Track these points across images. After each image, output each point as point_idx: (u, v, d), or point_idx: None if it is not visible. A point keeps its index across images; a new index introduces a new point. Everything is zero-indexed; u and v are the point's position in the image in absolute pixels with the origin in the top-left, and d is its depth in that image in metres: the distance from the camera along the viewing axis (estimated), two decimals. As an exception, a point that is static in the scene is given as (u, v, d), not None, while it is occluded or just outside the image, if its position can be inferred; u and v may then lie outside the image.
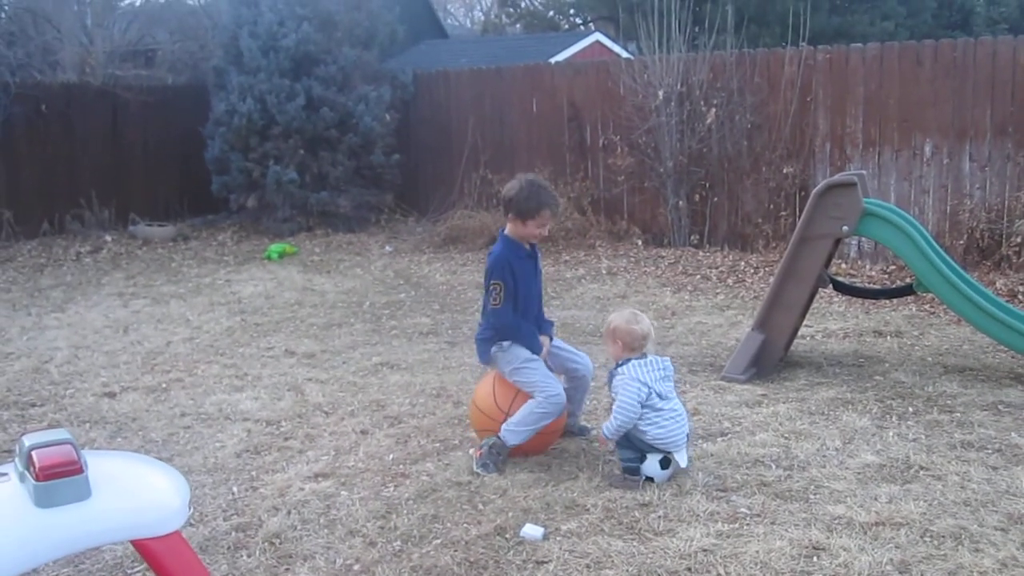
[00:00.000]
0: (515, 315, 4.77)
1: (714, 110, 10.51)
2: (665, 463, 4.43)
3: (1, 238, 12.32)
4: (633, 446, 4.43)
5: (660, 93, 10.72)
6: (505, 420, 4.73)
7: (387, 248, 12.11)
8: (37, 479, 1.68)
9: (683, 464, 4.47)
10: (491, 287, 4.73)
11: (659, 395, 4.44)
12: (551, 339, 4.97)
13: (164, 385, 6.43)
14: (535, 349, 4.79)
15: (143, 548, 1.77)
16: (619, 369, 4.53)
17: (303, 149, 12.74)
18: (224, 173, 13.12)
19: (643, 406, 4.40)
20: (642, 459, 4.42)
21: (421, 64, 15.05)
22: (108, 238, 12.71)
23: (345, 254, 11.81)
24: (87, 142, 13.25)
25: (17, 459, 1.78)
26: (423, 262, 11.13)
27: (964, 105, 9.02)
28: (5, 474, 1.80)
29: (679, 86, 10.69)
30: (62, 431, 1.77)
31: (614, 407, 4.45)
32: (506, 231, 4.84)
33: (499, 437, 4.70)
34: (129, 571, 3.85)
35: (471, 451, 4.81)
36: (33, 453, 1.70)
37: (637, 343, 4.53)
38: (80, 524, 1.68)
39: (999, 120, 8.82)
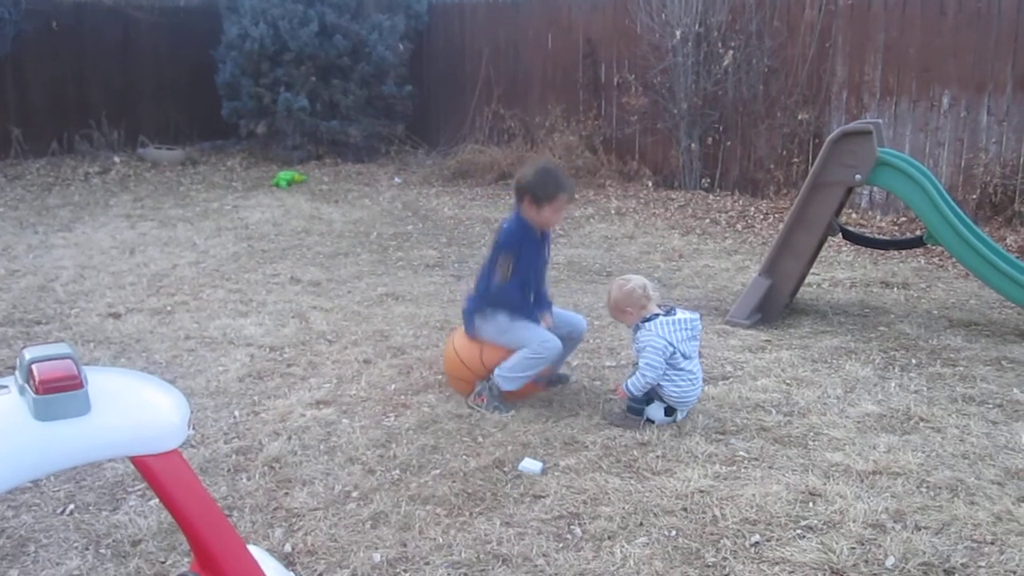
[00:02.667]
0: (519, 292, 4.65)
1: (731, 52, 10.37)
2: (669, 411, 4.44)
3: (10, 156, 12.29)
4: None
5: (677, 33, 10.57)
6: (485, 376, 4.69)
7: (396, 180, 12.05)
8: (37, 392, 1.67)
9: (680, 417, 4.48)
10: (500, 260, 4.60)
11: (683, 355, 4.41)
12: (551, 315, 4.83)
13: (169, 308, 6.45)
14: (527, 317, 4.70)
15: (142, 465, 1.77)
16: (644, 325, 4.46)
17: (315, 76, 12.61)
18: (234, 98, 13.01)
19: (666, 363, 4.39)
20: (648, 401, 4.43)
21: (437, -6, 14.87)
22: (117, 159, 12.66)
23: (354, 184, 11.76)
24: (97, 61, 13.13)
25: (17, 372, 1.78)
26: (432, 195, 11.08)
27: (985, 57, 8.88)
28: (5, 387, 1.80)
29: (697, 26, 10.54)
30: (63, 345, 1.76)
31: (640, 364, 4.42)
32: (522, 212, 4.65)
33: (492, 380, 4.66)
34: (130, 489, 3.89)
35: (468, 400, 4.73)
36: (33, 366, 1.70)
37: (642, 299, 4.49)
38: (79, 439, 1.68)
39: (1020, 74, 8.69)
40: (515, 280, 4.60)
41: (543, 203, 4.54)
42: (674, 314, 4.46)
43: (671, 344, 4.36)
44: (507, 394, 4.67)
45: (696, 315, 4.55)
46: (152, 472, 1.76)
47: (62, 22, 12.68)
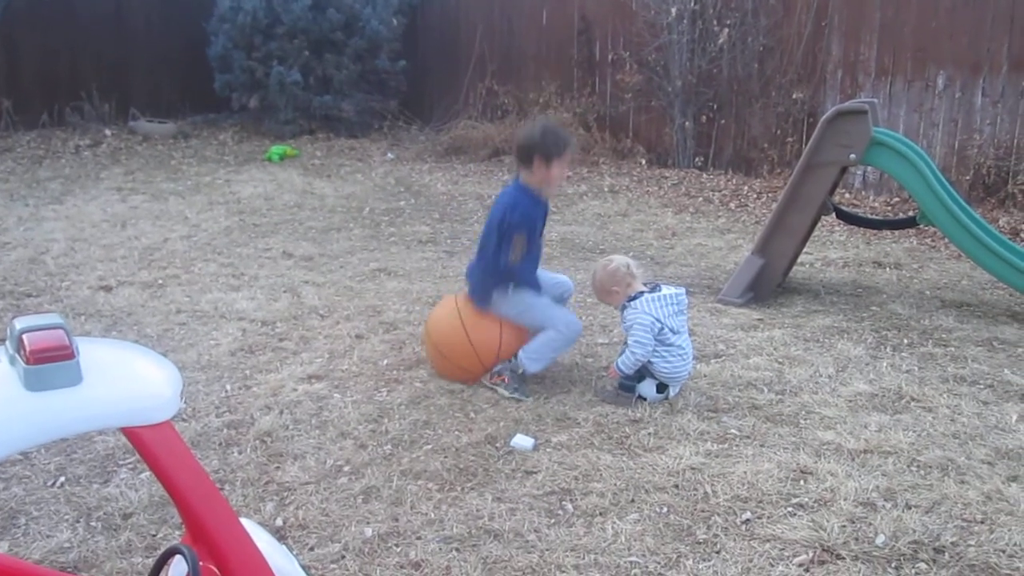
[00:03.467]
0: (529, 268, 4.65)
1: (727, 30, 10.32)
2: (661, 388, 4.44)
3: (0, 128, 12.19)
4: (634, 366, 4.44)
5: (673, 10, 10.51)
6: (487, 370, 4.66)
7: (389, 155, 12.01)
8: (27, 362, 1.66)
9: (672, 394, 4.48)
10: (515, 240, 4.51)
11: (671, 330, 4.41)
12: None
13: (160, 281, 6.42)
14: (539, 291, 4.71)
15: (134, 437, 1.76)
16: (631, 304, 4.46)
17: (308, 50, 12.53)
18: (227, 71, 12.92)
19: (655, 339, 4.39)
20: (640, 379, 4.43)
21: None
22: (108, 132, 12.58)
23: (346, 159, 11.71)
24: (89, 33, 13.03)
25: (8, 342, 1.76)
26: (424, 171, 11.05)
27: (981, 38, 8.85)
28: (-5, 357, 1.78)
29: (692, 3, 10.47)
30: (54, 315, 1.74)
31: (629, 342, 4.42)
32: (523, 180, 4.59)
33: (518, 361, 4.59)
34: (121, 462, 3.88)
35: (485, 380, 4.66)
36: (24, 336, 1.68)
37: (627, 278, 4.48)
38: (70, 409, 1.67)
39: (1016, 55, 8.66)
40: (527, 258, 4.59)
41: (553, 159, 4.48)
42: (659, 290, 4.46)
43: (658, 320, 4.36)
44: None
45: (681, 290, 4.54)
46: (144, 444, 1.75)
47: (54, -8, 12.58)
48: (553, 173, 4.53)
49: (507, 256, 4.54)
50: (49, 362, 1.67)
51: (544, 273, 4.89)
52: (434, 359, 4.83)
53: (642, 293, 4.45)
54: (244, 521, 2.07)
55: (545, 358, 4.62)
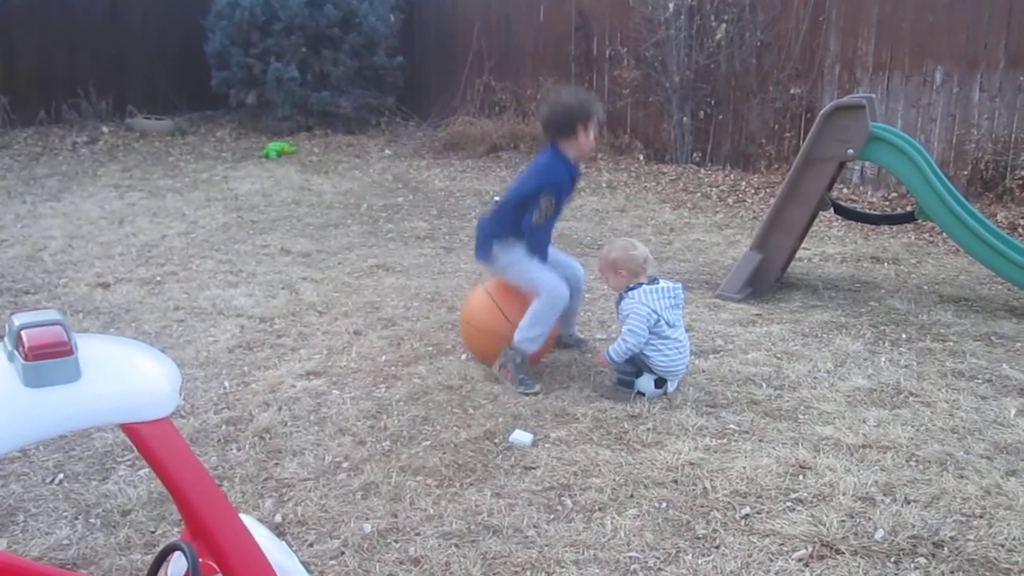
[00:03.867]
0: (547, 233, 4.70)
1: (724, 26, 10.31)
2: (659, 383, 4.44)
3: (-4, 124, 12.19)
4: (632, 362, 4.43)
5: (670, 5, 10.50)
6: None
7: (386, 151, 12.00)
8: (26, 359, 1.65)
9: (671, 389, 4.49)
10: (543, 202, 4.53)
11: (667, 323, 4.42)
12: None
13: (158, 278, 6.42)
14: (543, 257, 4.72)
15: (132, 433, 1.76)
16: (629, 294, 4.48)
17: (305, 47, 12.51)
18: (224, 68, 12.90)
19: (651, 332, 4.39)
20: (638, 374, 4.43)
21: (428, -35, 14.73)
22: (105, 129, 12.56)
23: (344, 155, 11.70)
24: (86, 30, 12.98)
25: (7, 338, 1.75)
26: (422, 167, 11.04)
27: (979, 33, 8.85)
28: (-6, 353, 1.78)
29: (690, -1, 10.49)
30: (52, 311, 1.74)
31: (623, 331, 4.43)
32: (562, 149, 4.60)
33: (515, 347, 4.60)
34: (119, 459, 3.88)
35: (493, 370, 4.70)
36: (22, 332, 1.67)
37: (639, 268, 4.50)
38: (69, 405, 1.66)
39: (1013, 50, 8.67)
40: (548, 222, 4.64)
41: (588, 123, 4.56)
42: (657, 283, 4.48)
43: (655, 312, 4.37)
44: (531, 359, 4.64)
45: (678, 284, 4.56)
46: (143, 440, 1.74)
47: (50, -10, 12.55)
48: (588, 137, 4.59)
49: (531, 216, 4.57)
50: (48, 358, 1.66)
51: (558, 253, 4.94)
52: (472, 340, 4.89)
53: (640, 284, 4.46)
54: (243, 517, 2.07)
55: (538, 334, 4.59)
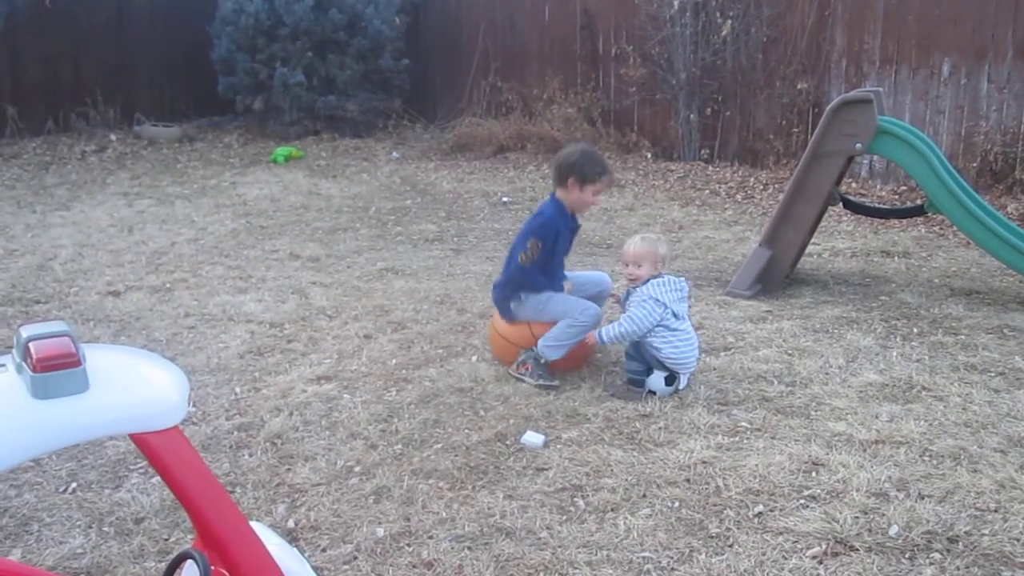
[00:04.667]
0: (539, 274, 4.72)
1: (730, 22, 10.30)
2: (670, 380, 4.43)
3: (5, 135, 12.23)
4: (642, 359, 4.43)
5: (675, 2, 10.49)
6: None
7: (394, 154, 12.01)
8: (34, 371, 1.66)
9: (683, 386, 4.48)
10: (529, 244, 4.66)
11: (675, 314, 4.43)
12: (569, 282, 4.91)
13: (168, 285, 6.43)
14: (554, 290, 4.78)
15: (142, 443, 1.76)
16: (639, 289, 4.50)
17: (311, 51, 12.54)
18: (230, 74, 12.94)
19: (659, 325, 4.40)
20: (648, 372, 4.43)
21: (432, -33, 14.74)
22: (113, 137, 12.61)
23: (352, 159, 11.72)
24: (92, 39, 13.04)
25: (15, 350, 1.76)
26: (430, 169, 11.04)
27: (986, 24, 8.81)
28: (3, 365, 1.78)
29: (695, -4, 10.47)
30: (60, 323, 1.74)
31: (623, 316, 4.44)
32: (558, 195, 4.73)
33: (537, 351, 4.65)
34: (132, 467, 3.88)
35: (511, 370, 4.73)
36: (30, 344, 1.68)
37: (660, 265, 4.57)
38: (77, 416, 1.67)
39: (1021, 40, 8.63)
40: (537, 264, 4.68)
41: (587, 184, 4.64)
42: (662, 276, 4.52)
43: (665, 305, 4.40)
44: (552, 365, 4.67)
45: (683, 278, 4.61)
46: (152, 449, 1.75)
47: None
48: (585, 196, 4.69)
49: (518, 257, 4.70)
50: (56, 370, 1.66)
51: (578, 274, 5.01)
52: (499, 346, 4.93)
53: (648, 280, 4.48)
54: (255, 524, 2.07)
55: (563, 345, 4.64)
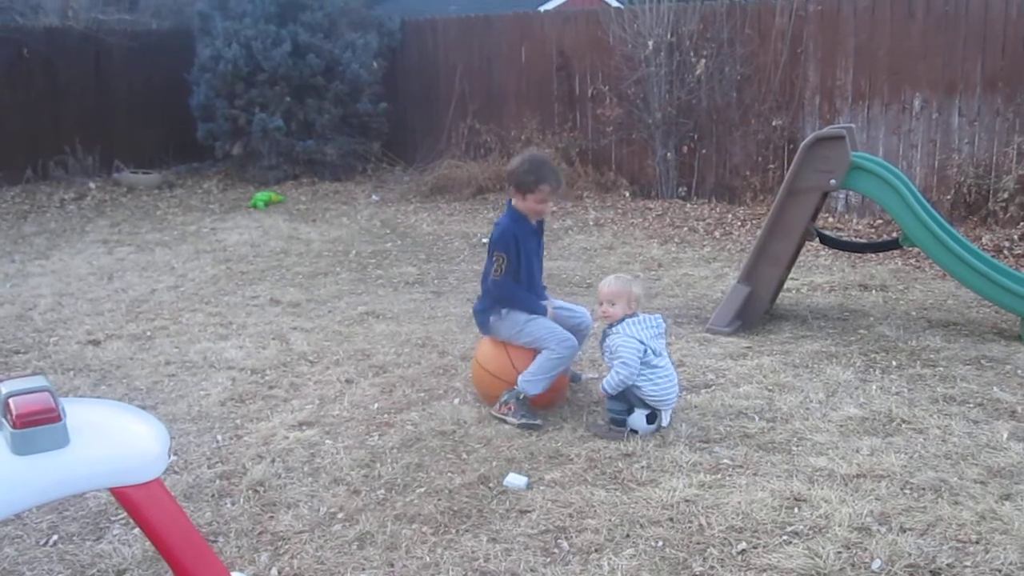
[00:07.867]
0: (515, 285, 4.75)
1: (704, 61, 10.43)
2: (651, 418, 4.45)
3: (-17, 184, 12.21)
4: (624, 398, 4.44)
5: (650, 43, 10.62)
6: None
7: (373, 197, 12.04)
8: (14, 427, 1.66)
9: (665, 423, 4.50)
10: (494, 258, 4.73)
11: (654, 352, 4.45)
12: (551, 305, 4.92)
13: (149, 333, 6.41)
14: (536, 311, 4.77)
15: (122, 496, 1.76)
16: (614, 329, 4.53)
17: (289, 96, 12.60)
18: (209, 120, 12.98)
19: (640, 363, 4.42)
20: (630, 411, 4.44)
21: (409, 11, 14.81)
22: (92, 185, 12.60)
23: (331, 203, 11.74)
24: (70, 87, 13.06)
25: (-6, 406, 1.76)
26: (410, 212, 11.08)
27: (955, 58, 8.96)
28: (-17, 422, 1.79)
29: (669, 36, 10.59)
30: (40, 378, 1.75)
31: (616, 364, 4.45)
32: (513, 204, 4.80)
33: (518, 388, 4.66)
34: (113, 518, 3.86)
35: (493, 410, 4.74)
36: (10, 401, 1.69)
37: (635, 306, 4.58)
38: (58, 472, 1.67)
39: (989, 74, 8.78)
40: (509, 275, 4.72)
41: (526, 193, 4.70)
42: (636, 315, 4.53)
43: (642, 342, 4.42)
44: (533, 402, 4.67)
45: (659, 315, 4.63)
46: (132, 502, 1.75)
47: (33, 49, 12.60)
48: (529, 206, 4.74)
49: (490, 272, 4.76)
50: (35, 425, 1.67)
51: (562, 304, 5.02)
52: (483, 382, 4.91)
53: (623, 319, 4.50)
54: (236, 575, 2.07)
55: (543, 380, 4.65)
